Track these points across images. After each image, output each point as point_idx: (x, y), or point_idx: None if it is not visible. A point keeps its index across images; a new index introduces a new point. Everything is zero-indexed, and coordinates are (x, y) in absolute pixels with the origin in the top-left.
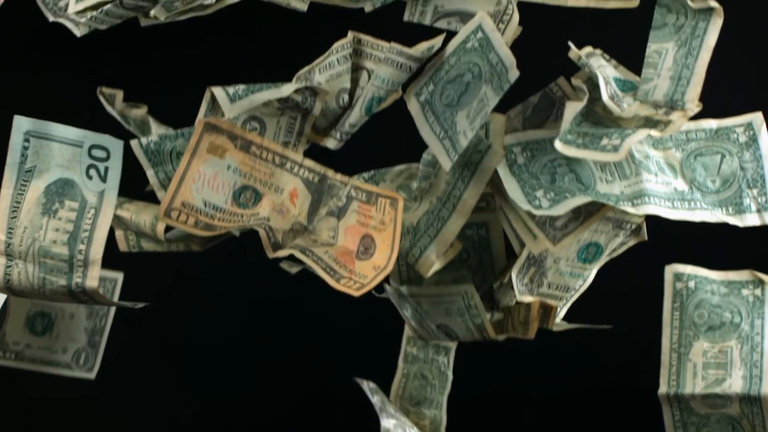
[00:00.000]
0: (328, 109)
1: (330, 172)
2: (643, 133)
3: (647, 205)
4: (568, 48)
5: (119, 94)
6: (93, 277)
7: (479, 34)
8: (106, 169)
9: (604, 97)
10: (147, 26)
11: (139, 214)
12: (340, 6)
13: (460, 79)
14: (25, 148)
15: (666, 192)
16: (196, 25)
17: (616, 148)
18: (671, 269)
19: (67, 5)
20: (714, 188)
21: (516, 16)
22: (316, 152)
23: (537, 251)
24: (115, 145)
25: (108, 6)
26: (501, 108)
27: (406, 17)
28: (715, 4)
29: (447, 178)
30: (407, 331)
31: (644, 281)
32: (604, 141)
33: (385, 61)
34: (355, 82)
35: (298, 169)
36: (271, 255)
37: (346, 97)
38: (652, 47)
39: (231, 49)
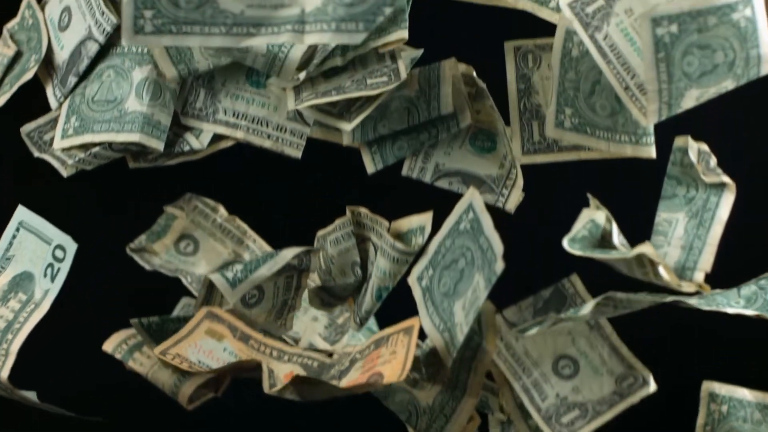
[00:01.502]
0: (345, 283)
1: (330, 359)
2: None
3: None
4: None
5: None
6: (6, 368)
7: (470, 215)
8: (58, 270)
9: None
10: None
11: (156, 374)
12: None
13: (455, 265)
14: (14, 237)
15: None
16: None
17: None
18: (707, 388)
19: (52, 139)
20: None
21: (520, 181)
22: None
23: None
24: (71, 248)
25: (96, 149)
26: None
27: (404, 172)
28: (727, 180)
29: (450, 365)
30: None
31: None
32: None
33: (382, 253)
34: (364, 252)
35: (297, 359)
36: (267, 391)
37: (359, 270)
38: (662, 216)
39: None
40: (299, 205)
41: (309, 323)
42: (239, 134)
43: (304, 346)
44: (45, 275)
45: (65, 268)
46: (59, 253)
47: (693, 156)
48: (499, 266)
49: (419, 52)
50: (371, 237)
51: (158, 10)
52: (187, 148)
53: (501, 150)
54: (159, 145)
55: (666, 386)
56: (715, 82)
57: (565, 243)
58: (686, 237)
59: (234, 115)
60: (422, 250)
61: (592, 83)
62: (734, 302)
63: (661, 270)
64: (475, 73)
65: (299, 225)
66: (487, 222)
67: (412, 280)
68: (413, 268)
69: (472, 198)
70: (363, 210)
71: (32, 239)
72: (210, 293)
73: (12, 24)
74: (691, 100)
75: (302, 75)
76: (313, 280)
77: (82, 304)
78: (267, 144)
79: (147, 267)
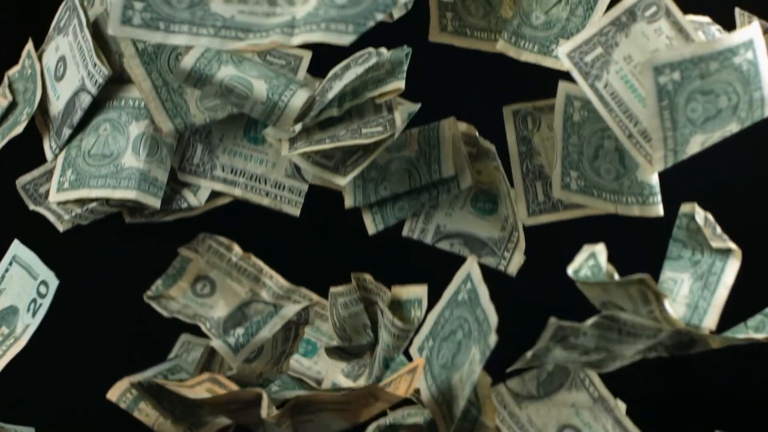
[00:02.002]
0: (360, 344)
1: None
2: None
3: None
4: None
5: None
6: None
7: (468, 285)
8: (40, 305)
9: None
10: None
11: (162, 426)
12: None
13: (453, 336)
14: (6, 271)
15: None
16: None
17: None
18: None
19: (47, 192)
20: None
21: (522, 243)
22: None
23: None
24: (53, 284)
25: (93, 204)
26: None
27: (405, 233)
28: (733, 246)
29: None
30: None
31: None
32: None
33: (384, 328)
34: (374, 314)
35: None
36: (265, 416)
37: (370, 332)
38: (667, 274)
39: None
40: (313, 237)
41: (331, 362)
42: (237, 192)
43: (327, 387)
44: (28, 310)
45: (46, 304)
46: (43, 289)
47: (699, 221)
48: (493, 339)
49: (416, 107)
50: (378, 301)
51: (149, 4)
52: (184, 205)
53: (502, 211)
54: (156, 203)
55: None
56: (720, 127)
57: (570, 271)
58: (691, 296)
59: (232, 171)
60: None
61: (595, 148)
62: (742, 332)
63: (667, 305)
64: (477, 133)
65: (314, 257)
66: (483, 293)
67: (413, 351)
68: (415, 337)
69: (471, 268)
70: (367, 277)
71: (22, 274)
72: (211, 357)
73: (13, 71)
74: (696, 145)
75: (298, 126)
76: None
77: (82, 337)
78: (265, 202)
79: (165, 314)
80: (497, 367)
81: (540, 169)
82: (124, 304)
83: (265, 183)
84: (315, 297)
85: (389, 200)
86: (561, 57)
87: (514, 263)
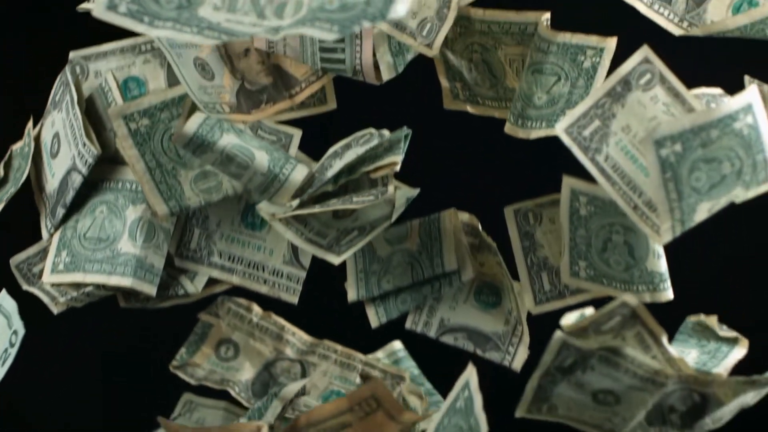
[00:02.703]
0: None
1: None
2: None
3: None
4: None
5: None
6: None
7: (466, 392)
8: (9, 355)
9: None
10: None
11: None
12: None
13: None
14: None
15: None
16: None
17: None
18: None
19: (41, 272)
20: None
21: (526, 337)
22: None
23: None
24: (21, 334)
25: (89, 288)
26: None
27: (408, 325)
28: (740, 336)
29: None
30: None
31: None
32: None
33: None
34: None
35: None
36: None
37: None
38: (675, 347)
39: None
40: (331, 290)
41: None
42: (235, 279)
43: None
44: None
45: (14, 354)
46: (14, 339)
47: (712, 324)
48: None
49: (415, 192)
50: None
51: None
52: (181, 291)
53: (506, 305)
54: (151, 290)
55: None
56: (726, 192)
57: (562, 323)
58: (698, 362)
59: (229, 258)
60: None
61: (603, 241)
62: None
63: (666, 344)
64: (480, 225)
65: (333, 308)
66: (478, 401)
67: None
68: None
69: (470, 376)
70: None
71: (3, 323)
72: None
73: (17, 146)
74: (703, 213)
75: (295, 202)
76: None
77: (81, 397)
78: (263, 290)
79: (192, 382)
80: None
81: (544, 260)
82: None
83: (263, 270)
84: (339, 348)
85: (392, 293)
86: (559, 134)
87: (518, 358)
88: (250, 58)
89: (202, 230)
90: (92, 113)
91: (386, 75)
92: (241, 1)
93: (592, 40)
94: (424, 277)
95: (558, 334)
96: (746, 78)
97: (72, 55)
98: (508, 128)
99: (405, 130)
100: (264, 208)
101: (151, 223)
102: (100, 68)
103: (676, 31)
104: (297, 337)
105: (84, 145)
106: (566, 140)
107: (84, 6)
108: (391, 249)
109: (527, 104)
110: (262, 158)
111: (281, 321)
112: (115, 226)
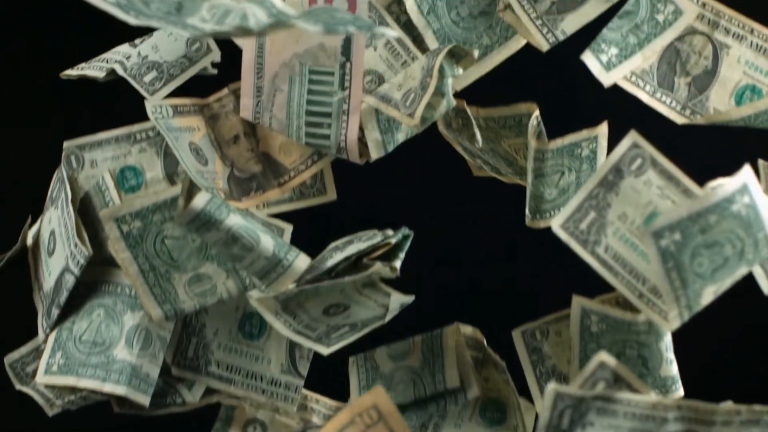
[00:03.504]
0: None
1: None
2: None
3: None
4: None
5: None
6: None
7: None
8: None
9: None
10: None
11: None
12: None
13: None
14: None
15: None
16: None
17: None
18: None
19: (34, 371)
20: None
21: None
22: None
23: None
24: None
25: (85, 392)
26: None
27: None
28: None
29: None
30: None
31: None
32: None
33: None
34: None
35: None
36: None
37: None
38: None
39: None
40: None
41: None
42: (233, 389)
43: None
44: None
45: None
46: None
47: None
48: None
49: (410, 299)
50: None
51: None
52: (178, 400)
53: (512, 421)
54: (145, 400)
55: None
56: (730, 274)
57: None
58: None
59: (227, 368)
60: None
61: (616, 354)
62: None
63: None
64: (485, 340)
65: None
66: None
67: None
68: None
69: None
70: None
71: None
72: None
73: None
74: (709, 295)
75: (292, 285)
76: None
77: None
78: (261, 399)
79: None
80: None
81: (553, 367)
82: None
83: (261, 380)
84: None
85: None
86: (555, 230)
87: None
88: (239, 145)
89: (199, 339)
90: (89, 212)
91: (375, 153)
92: (231, 17)
93: (583, 133)
94: (426, 394)
95: (551, 386)
96: (760, 164)
97: (66, 144)
98: (529, 222)
99: (407, 231)
100: (255, 296)
101: (148, 331)
102: (96, 157)
103: (679, 120)
104: (321, 403)
105: (76, 245)
106: (563, 236)
107: (68, 73)
108: (394, 365)
109: (540, 201)
110: (267, 242)
111: (303, 390)
112: (111, 331)
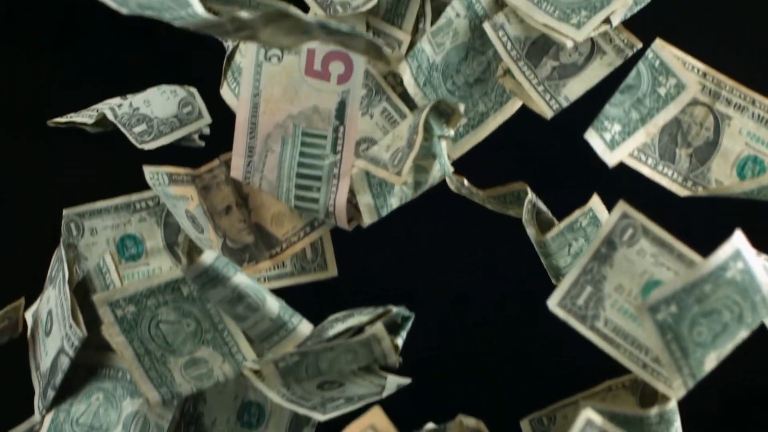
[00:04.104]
0: None
1: None
2: None
3: None
4: None
5: None
6: None
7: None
8: None
9: None
10: None
11: None
12: None
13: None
14: None
15: None
16: None
17: None
18: None
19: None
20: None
21: None
22: None
23: None
24: None
25: None
26: None
27: None
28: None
29: None
30: None
31: None
32: None
33: None
34: None
35: None
36: None
37: None
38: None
39: None
40: None
41: None
42: None
43: None
44: None
45: None
46: None
47: None
48: None
49: (407, 381)
50: None
51: None
52: None
53: None
54: None
55: None
56: (731, 339)
57: None
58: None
59: None
60: None
61: None
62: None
63: None
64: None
65: None
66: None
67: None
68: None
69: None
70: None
71: None
72: None
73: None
74: (712, 362)
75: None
76: None
77: None
78: None
79: None
80: None
81: None
82: None
83: None
84: None
85: None
86: (552, 309)
87: None
88: (231, 216)
89: (197, 428)
90: (89, 294)
91: (368, 218)
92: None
93: (576, 213)
94: None
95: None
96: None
97: (66, 212)
98: (556, 282)
99: (407, 312)
100: (248, 366)
101: (146, 419)
102: (96, 225)
103: (681, 192)
104: None
105: (71, 327)
106: (561, 314)
107: (56, 120)
108: None
109: (558, 271)
110: (272, 304)
111: None
112: (109, 416)
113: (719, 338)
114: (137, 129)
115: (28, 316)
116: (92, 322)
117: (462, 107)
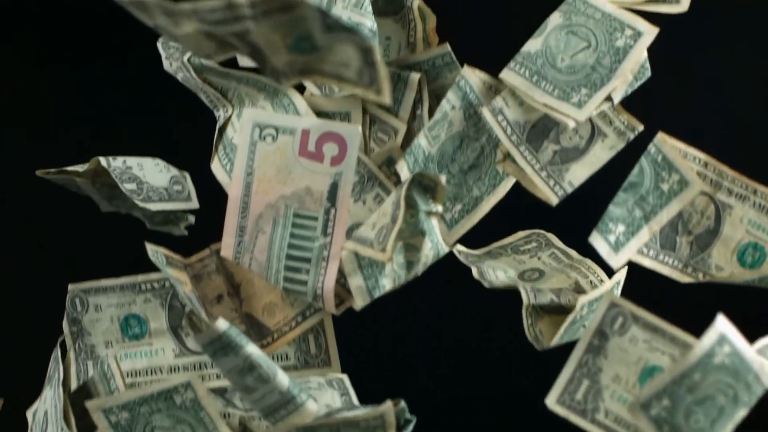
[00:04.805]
0: None
1: None
2: None
3: None
4: None
5: None
6: None
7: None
8: None
9: None
10: None
11: None
12: None
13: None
14: None
15: None
16: None
17: None
18: None
19: None
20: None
21: None
22: None
23: None
24: None
25: None
26: None
27: None
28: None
29: None
30: None
31: None
32: None
33: None
34: None
35: None
36: None
37: None
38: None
39: None
40: None
41: None
42: None
43: None
44: None
45: None
46: None
47: None
48: None
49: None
50: None
51: None
52: None
53: None
54: None
55: None
56: (730, 420)
57: None
58: None
59: None
60: None
61: None
62: None
63: None
64: None
65: None
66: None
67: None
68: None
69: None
70: None
71: None
72: None
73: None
74: None
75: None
76: None
77: None
78: None
79: None
80: None
81: None
82: None
83: None
84: None
85: None
86: (551, 407)
87: None
88: (222, 305)
89: None
90: (83, 398)
91: (359, 300)
92: None
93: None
94: None
95: None
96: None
97: (71, 287)
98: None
99: (409, 415)
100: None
101: None
102: (101, 302)
103: (682, 279)
104: None
105: (62, 429)
106: (560, 411)
107: (42, 171)
108: None
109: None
110: (283, 377)
111: None
112: None
113: (718, 422)
114: (128, 186)
115: (29, 414)
116: (93, 426)
117: (443, 178)
